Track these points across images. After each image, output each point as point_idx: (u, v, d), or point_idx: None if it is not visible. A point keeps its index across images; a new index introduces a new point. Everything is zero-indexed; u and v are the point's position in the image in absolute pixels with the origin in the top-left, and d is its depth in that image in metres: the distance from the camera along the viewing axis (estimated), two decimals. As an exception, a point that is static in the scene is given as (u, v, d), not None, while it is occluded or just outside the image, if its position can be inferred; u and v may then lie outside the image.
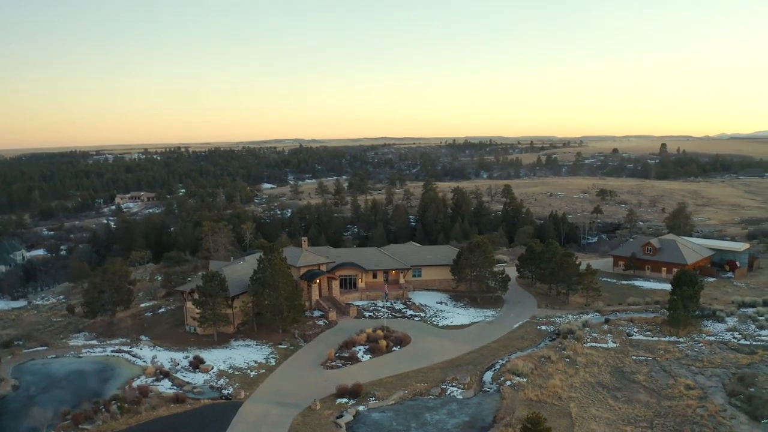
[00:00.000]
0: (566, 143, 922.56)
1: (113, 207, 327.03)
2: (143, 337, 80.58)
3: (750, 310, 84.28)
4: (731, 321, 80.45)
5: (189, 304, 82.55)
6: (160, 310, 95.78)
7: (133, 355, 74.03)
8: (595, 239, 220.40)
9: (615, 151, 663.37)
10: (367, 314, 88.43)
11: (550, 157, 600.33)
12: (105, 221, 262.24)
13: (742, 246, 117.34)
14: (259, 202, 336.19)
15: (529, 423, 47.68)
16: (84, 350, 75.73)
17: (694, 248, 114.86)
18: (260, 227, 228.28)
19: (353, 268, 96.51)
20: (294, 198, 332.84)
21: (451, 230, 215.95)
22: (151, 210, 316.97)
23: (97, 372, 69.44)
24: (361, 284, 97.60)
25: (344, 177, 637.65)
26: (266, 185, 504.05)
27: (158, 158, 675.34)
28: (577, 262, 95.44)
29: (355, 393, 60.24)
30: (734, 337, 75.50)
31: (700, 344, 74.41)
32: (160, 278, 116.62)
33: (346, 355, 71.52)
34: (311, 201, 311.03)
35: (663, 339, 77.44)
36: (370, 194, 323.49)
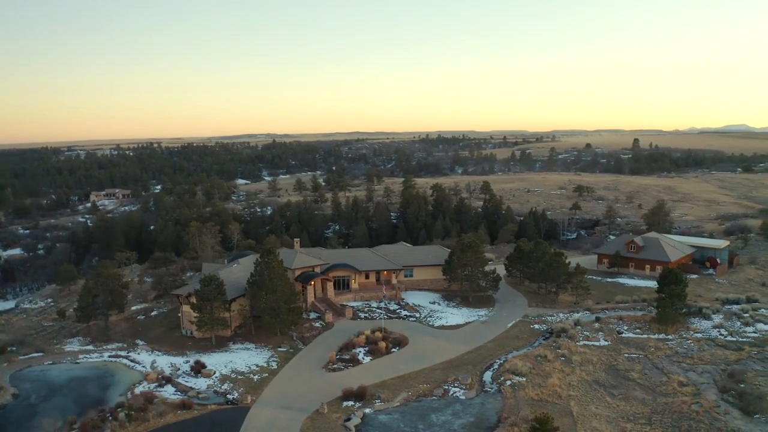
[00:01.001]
0: (539, 138, 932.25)
1: (88, 205, 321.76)
2: (140, 342, 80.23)
3: (734, 307, 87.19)
4: (717, 318, 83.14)
5: (185, 308, 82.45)
6: (152, 313, 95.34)
7: (131, 360, 73.67)
8: (574, 235, 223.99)
9: (588, 146, 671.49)
10: (362, 315, 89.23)
11: (524, 152, 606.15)
12: (81, 219, 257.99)
13: (722, 243, 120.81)
14: (236, 199, 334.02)
15: (537, 423, 49.14)
16: (81, 356, 75.14)
17: (676, 246, 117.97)
18: (240, 225, 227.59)
19: (346, 269, 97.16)
20: (272, 195, 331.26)
21: (432, 228, 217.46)
22: (126, 208, 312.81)
23: (96, 378, 69.04)
24: (354, 285, 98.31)
25: (318, 172, 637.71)
26: (240, 181, 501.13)
27: (131, 154, 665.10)
28: (567, 262, 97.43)
29: (360, 395, 61.04)
30: (721, 334, 78.07)
31: (689, 341, 76.77)
32: (148, 280, 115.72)
33: (346, 357, 72.26)
34: (290, 198, 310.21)
35: (652, 336, 79.70)
36: (348, 191, 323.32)
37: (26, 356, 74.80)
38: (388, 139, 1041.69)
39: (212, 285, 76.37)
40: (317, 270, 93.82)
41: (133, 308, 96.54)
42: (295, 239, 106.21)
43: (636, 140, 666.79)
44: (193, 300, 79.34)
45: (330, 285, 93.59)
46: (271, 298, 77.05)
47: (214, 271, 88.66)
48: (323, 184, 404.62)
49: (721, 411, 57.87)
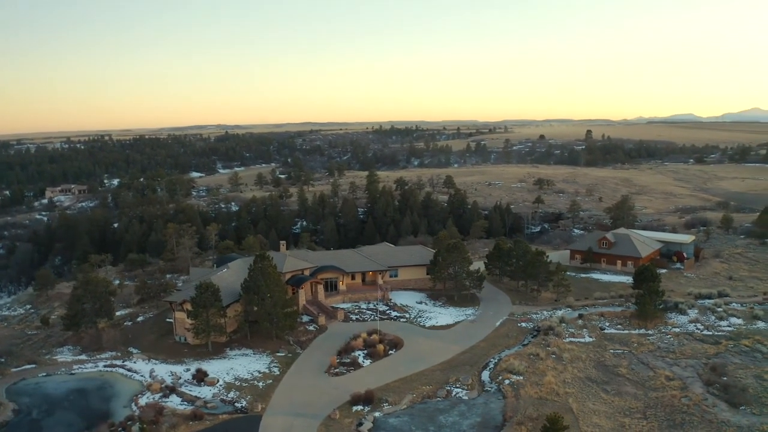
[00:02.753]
0: (492, 129, 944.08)
1: (44, 201, 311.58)
2: (133, 350, 79.54)
3: (707, 302, 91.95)
4: (693, 313, 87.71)
5: (178, 314, 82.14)
6: (138, 319, 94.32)
7: (128, 370, 73.15)
8: (538, 229, 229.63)
9: (542, 137, 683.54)
10: (353, 317, 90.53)
11: (479, 143, 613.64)
12: (39, 217, 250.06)
13: (688, 238, 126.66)
14: (197, 194, 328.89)
15: (548, 422, 51.74)
16: (75, 366, 74.17)
17: (645, 241, 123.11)
18: (206, 223, 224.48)
19: (334, 271, 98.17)
20: (234, 190, 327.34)
21: (401, 224, 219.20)
22: (84, 204, 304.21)
23: (95, 390, 68.43)
24: (342, 287, 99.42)
25: (273, 164, 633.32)
26: (195, 174, 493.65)
27: (82, 147, 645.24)
28: (549, 261, 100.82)
29: (368, 400, 62.58)
30: (697, 328, 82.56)
31: (669, 336, 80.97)
32: (128, 283, 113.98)
33: (347, 360, 73.57)
34: (254, 193, 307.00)
35: (633, 332, 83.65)
36: (311, 185, 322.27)
37: (19, 368, 73.32)
38: (341, 130, 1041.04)
39: (208, 292, 76.28)
40: (306, 273, 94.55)
41: (118, 314, 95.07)
42: (281, 242, 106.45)
43: (589, 132, 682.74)
44: (187, 307, 79.17)
45: (320, 288, 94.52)
46: (268, 304, 77.53)
47: (205, 276, 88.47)
48: (283, 177, 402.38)
49: (709, 404, 61.72)
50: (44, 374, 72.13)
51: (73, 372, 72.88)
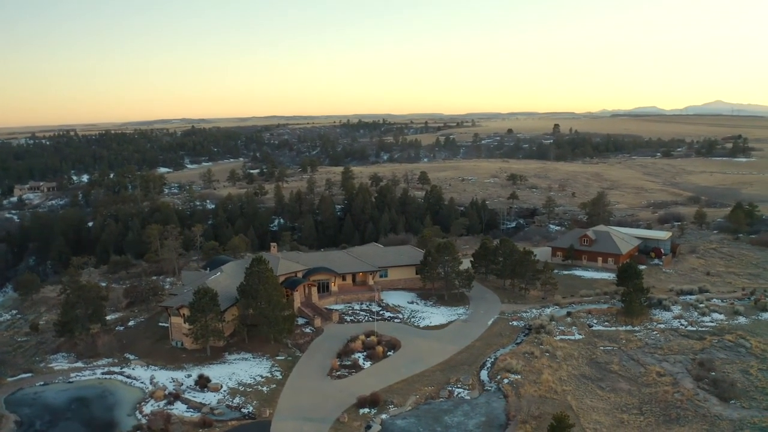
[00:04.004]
0: (459, 123, 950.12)
1: (14, 199, 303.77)
2: (130, 356, 79.12)
3: (689, 298, 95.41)
4: (676, 309, 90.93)
5: (175, 319, 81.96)
6: (130, 323, 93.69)
7: (127, 377, 72.87)
8: (513, 224, 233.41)
9: (510, 131, 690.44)
10: (348, 318, 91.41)
11: (448, 138, 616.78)
12: (9, 216, 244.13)
13: (665, 234, 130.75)
14: (169, 191, 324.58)
15: (555, 421, 53.58)
16: (72, 374, 73.51)
17: (625, 238, 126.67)
18: (183, 221, 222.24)
19: (326, 272, 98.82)
20: (207, 186, 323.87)
21: (379, 221, 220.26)
22: (54, 202, 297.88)
23: (96, 398, 68.07)
24: (333, 288, 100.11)
25: (242, 159, 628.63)
26: (162, 169, 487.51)
27: (47, 143, 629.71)
28: (536, 259, 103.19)
29: (374, 402, 63.79)
30: (682, 324, 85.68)
31: (655, 332, 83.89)
32: (115, 286, 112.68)
33: (348, 363, 74.53)
34: (228, 190, 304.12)
35: (621, 328, 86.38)
36: (286, 182, 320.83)
37: (15, 378, 72.33)
38: (309, 124, 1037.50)
39: (207, 297, 76.28)
40: (299, 275, 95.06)
41: (108, 318, 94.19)
42: (272, 244, 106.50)
43: (556, 126, 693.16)
44: (184, 312, 79.11)
45: (314, 290, 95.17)
46: (267, 308, 77.90)
47: (199, 280, 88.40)
48: (256, 173, 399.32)
49: (700, 399, 64.53)
50: (42, 383, 71.34)
51: (71, 380, 72.24)
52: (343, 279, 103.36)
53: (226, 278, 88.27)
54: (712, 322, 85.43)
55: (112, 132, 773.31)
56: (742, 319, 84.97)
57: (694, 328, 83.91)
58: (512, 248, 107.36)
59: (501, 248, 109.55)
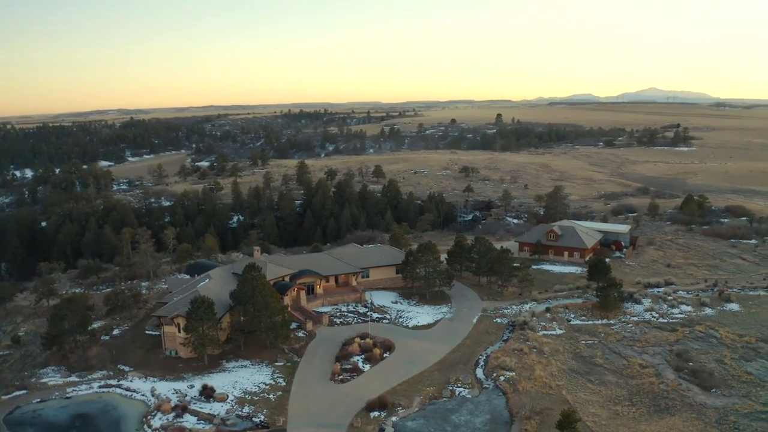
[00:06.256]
0: (401, 112, 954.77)
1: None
2: (125, 368, 78.34)
3: (657, 290, 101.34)
4: (647, 302, 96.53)
5: (168, 328, 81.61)
6: (114, 332, 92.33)
7: (126, 389, 72.30)
8: (470, 217, 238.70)
9: (453, 121, 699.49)
10: (338, 321, 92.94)
11: (392, 128, 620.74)
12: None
13: (625, 228, 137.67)
14: (118, 187, 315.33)
15: (562, 416, 57.06)
16: (69, 389, 72.34)
17: (588, 232, 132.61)
18: (139, 218, 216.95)
19: (312, 275, 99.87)
20: (159, 182, 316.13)
21: (340, 216, 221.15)
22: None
23: (99, 414, 67.45)
24: (319, 290, 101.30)
25: (184, 151, 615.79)
26: (103, 163, 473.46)
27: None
28: (513, 257, 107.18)
29: (383, 405, 65.90)
30: (653, 317, 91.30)
31: (630, 325, 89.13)
32: (90, 292, 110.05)
33: (348, 366, 76.29)
34: (177, 185, 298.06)
35: (597, 322, 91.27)
36: (240, 177, 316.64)
37: (10, 395, 70.66)
38: (249, 114, 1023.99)
39: (203, 306, 76.31)
40: (287, 279, 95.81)
41: (90, 327, 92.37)
42: (255, 247, 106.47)
43: (499, 115, 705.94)
44: (179, 321, 79.00)
45: (302, 293, 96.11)
46: (264, 314, 78.60)
47: (188, 286, 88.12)
48: (206, 166, 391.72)
49: (684, 389, 69.48)
50: (38, 400, 69.99)
51: (68, 396, 71.13)
52: (327, 280, 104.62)
53: (216, 284, 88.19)
54: (681, 313, 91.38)
55: (50, 125, 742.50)
56: (708, 310, 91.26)
57: (666, 320, 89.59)
58: (488, 246, 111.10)
59: (476, 246, 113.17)
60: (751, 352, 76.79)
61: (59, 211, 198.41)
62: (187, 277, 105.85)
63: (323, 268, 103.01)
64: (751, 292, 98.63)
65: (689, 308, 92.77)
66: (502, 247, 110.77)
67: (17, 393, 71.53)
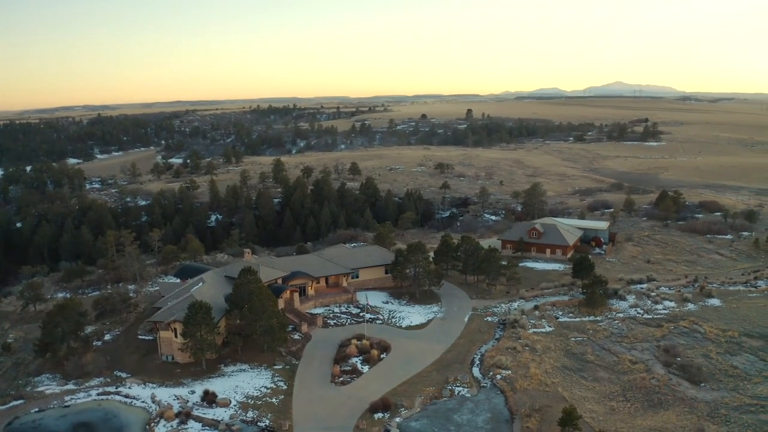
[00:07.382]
0: (371, 108, 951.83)
1: None
2: (122, 374, 77.87)
3: (639, 287, 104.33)
4: (631, 299, 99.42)
5: (164, 333, 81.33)
6: (106, 337, 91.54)
7: (126, 396, 71.88)
8: (447, 214, 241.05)
9: (424, 116, 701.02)
10: (331, 322, 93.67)
11: (363, 124, 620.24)
12: None
13: (604, 224, 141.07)
14: (91, 186, 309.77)
15: (564, 413, 58.98)
16: (66, 398, 71.69)
17: (569, 230, 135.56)
18: (116, 218, 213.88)
19: (303, 277, 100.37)
20: (133, 181, 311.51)
21: (319, 215, 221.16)
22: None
23: (101, 422, 66.94)
24: (311, 292, 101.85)
25: (153, 148, 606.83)
26: (72, 160, 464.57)
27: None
28: (501, 256, 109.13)
29: (386, 407, 67.02)
30: (638, 313, 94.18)
31: (616, 322, 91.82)
32: (74, 295, 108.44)
33: (348, 368, 77.21)
34: (152, 184, 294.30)
35: (585, 319, 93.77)
36: (215, 175, 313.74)
37: (7, 405, 69.74)
38: (218, 110, 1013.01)
39: (200, 312, 76.32)
40: (279, 281, 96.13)
41: (83, 333, 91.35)
42: (245, 249, 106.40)
43: (469, 111, 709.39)
44: (175, 326, 78.89)
45: (296, 295, 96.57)
46: (261, 318, 78.91)
47: (181, 291, 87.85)
48: (178, 164, 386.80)
49: (674, 383, 72.14)
50: (36, 409, 69.13)
51: (66, 404, 70.46)
52: (317, 282, 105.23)
53: (210, 288, 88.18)
54: (665, 309, 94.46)
55: (17, 122, 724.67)
56: (691, 306, 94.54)
57: (651, 316, 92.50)
58: (475, 245, 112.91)
59: (463, 245, 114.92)
60: (735, 346, 79.99)
61: (34, 211, 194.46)
62: (178, 280, 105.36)
63: (314, 269, 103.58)
64: (731, 288, 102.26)
65: (672, 304, 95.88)
66: (489, 246, 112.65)
67: (14, 403, 70.56)
